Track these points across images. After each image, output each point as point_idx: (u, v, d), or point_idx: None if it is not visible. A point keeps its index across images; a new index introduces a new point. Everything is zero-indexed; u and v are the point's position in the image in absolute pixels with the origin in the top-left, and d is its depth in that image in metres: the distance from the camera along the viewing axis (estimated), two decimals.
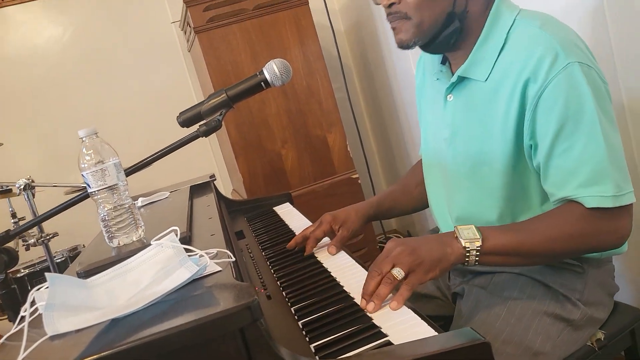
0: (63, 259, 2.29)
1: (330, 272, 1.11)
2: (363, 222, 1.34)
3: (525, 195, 1.08)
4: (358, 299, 0.94)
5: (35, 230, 2.11)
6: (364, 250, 2.46)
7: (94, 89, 2.78)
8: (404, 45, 1.10)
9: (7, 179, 2.22)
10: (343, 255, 1.21)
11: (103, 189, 0.99)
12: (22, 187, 2.03)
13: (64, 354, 0.63)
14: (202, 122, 1.11)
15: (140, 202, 1.56)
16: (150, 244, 0.85)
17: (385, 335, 0.81)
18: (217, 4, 2.26)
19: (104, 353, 0.61)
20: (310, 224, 1.36)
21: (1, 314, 2.22)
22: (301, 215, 1.63)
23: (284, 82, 1.11)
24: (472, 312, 1.10)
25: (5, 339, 0.74)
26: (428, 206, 1.41)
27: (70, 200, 1.06)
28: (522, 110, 1.01)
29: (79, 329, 0.69)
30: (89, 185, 1.00)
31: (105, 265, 0.87)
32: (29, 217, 2.11)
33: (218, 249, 0.88)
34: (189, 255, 0.81)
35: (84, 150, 0.99)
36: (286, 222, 1.58)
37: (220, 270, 0.81)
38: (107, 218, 1.01)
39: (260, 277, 1.19)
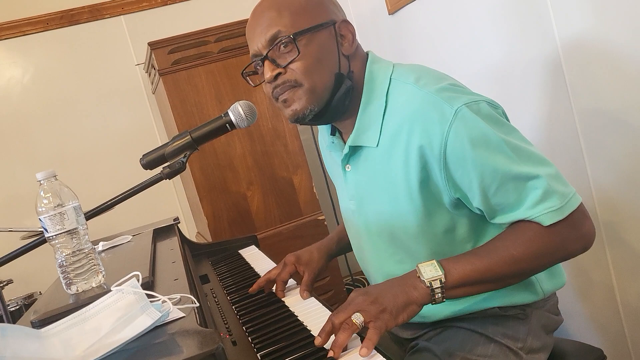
0: (18, 307, 2.19)
1: (297, 316, 1.09)
2: (326, 260, 1.32)
3: (452, 237, 1.06)
4: (325, 343, 0.93)
5: None
6: (330, 292, 2.43)
7: (55, 131, 2.73)
8: (299, 117, 1.05)
9: None
10: (309, 299, 1.19)
11: (61, 233, 0.96)
12: None
13: None
14: (165, 164, 1.09)
15: (101, 246, 1.52)
16: (110, 290, 0.82)
17: None
18: (182, 47, 2.27)
19: None
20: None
21: None
22: (267, 258, 1.61)
23: (250, 123, 1.10)
24: None
25: None
26: None
27: (26, 245, 1.02)
28: (426, 171, 0.99)
29: None
30: (46, 230, 0.96)
31: (62, 313, 0.84)
32: None
33: (181, 294, 0.85)
34: (151, 301, 0.79)
35: (41, 193, 0.96)
36: (252, 265, 1.55)
37: (183, 316, 0.78)
38: (65, 264, 0.97)
39: (226, 322, 1.16)
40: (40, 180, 0.97)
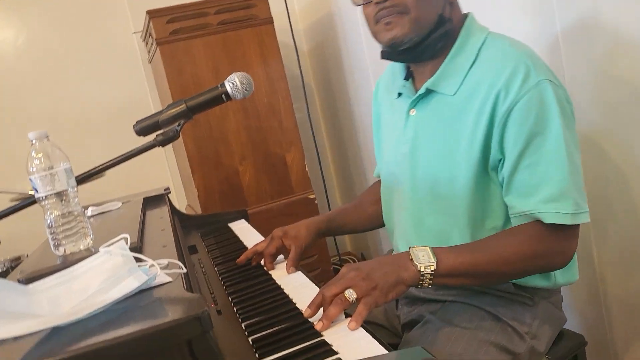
0: (5, 269, 2.18)
1: (283, 289, 1.10)
2: (314, 238, 1.32)
3: (490, 209, 1.08)
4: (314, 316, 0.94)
5: None
6: (317, 270, 2.45)
7: (49, 95, 2.70)
8: (396, 42, 1.07)
9: None
10: (297, 273, 1.20)
11: (51, 194, 0.95)
12: None
13: None
14: (159, 132, 1.09)
15: (90, 211, 1.52)
16: (98, 252, 0.82)
17: (336, 353, 0.80)
18: (181, 17, 2.25)
19: None
20: None
21: None
22: (256, 232, 1.62)
23: (245, 95, 1.10)
24: (419, 340, 1.10)
25: None
26: (380, 226, 1.41)
27: (15, 205, 1.02)
28: (491, 126, 1.02)
29: (17, 337, 0.65)
30: (36, 190, 0.96)
31: (48, 273, 0.84)
32: None
33: (169, 260, 0.85)
34: (138, 265, 0.79)
35: (33, 153, 0.95)
36: (241, 239, 1.56)
37: (170, 281, 0.79)
38: (53, 225, 0.97)
39: (212, 292, 1.17)
40: (32, 140, 0.96)
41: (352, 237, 3.29)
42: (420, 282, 0.96)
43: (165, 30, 2.24)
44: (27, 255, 2.33)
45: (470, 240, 1.09)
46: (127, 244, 0.81)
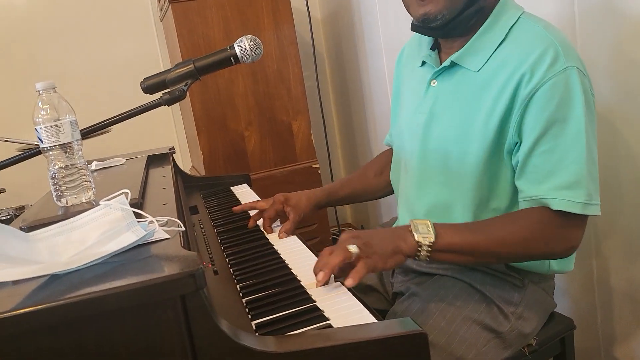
0: (9, 217, 2.21)
1: (280, 255, 1.12)
2: (313, 209, 1.35)
3: (497, 190, 1.08)
4: (304, 282, 0.95)
5: None
6: (316, 239, 2.47)
7: (58, 48, 2.70)
8: (429, 18, 1.05)
9: None
10: (295, 240, 1.21)
11: (56, 145, 0.97)
12: None
13: None
14: (166, 91, 1.09)
15: (94, 165, 1.53)
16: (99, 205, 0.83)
17: (327, 319, 0.82)
18: None
19: (40, 306, 0.60)
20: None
21: None
22: (258, 197, 1.63)
23: (254, 59, 1.10)
24: (404, 312, 1.11)
25: None
26: (382, 197, 1.42)
27: (20, 154, 1.03)
28: (511, 107, 1.01)
29: (17, 281, 0.67)
30: (41, 141, 0.97)
31: (49, 223, 0.85)
32: None
33: (169, 218, 0.87)
34: (138, 221, 0.80)
35: (39, 103, 0.96)
36: (242, 203, 1.57)
37: (168, 238, 0.80)
38: (57, 176, 0.98)
39: (210, 252, 1.18)
40: (39, 91, 0.97)
41: (352, 209, 3.31)
42: (418, 254, 0.97)
43: None
44: (31, 205, 2.36)
45: (471, 217, 1.09)
46: (127, 199, 0.82)
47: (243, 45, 1.08)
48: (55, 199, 1.00)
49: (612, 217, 1.37)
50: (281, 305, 0.87)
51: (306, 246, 1.16)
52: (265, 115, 2.39)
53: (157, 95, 1.09)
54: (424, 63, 1.20)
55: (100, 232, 0.76)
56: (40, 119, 0.96)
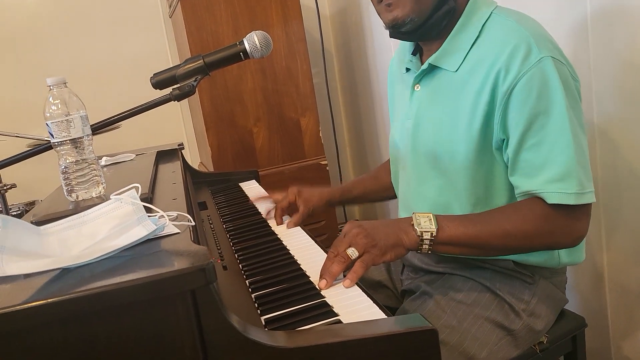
0: (19, 212, 2.23)
1: (288, 250, 1.12)
2: (324, 205, 1.38)
3: (494, 188, 1.08)
4: (313, 278, 0.95)
5: None
6: (325, 236, 2.47)
7: (69, 44, 2.71)
8: (397, 23, 1.06)
9: None
10: (304, 236, 1.22)
11: (66, 140, 0.97)
12: None
13: (10, 297, 0.62)
14: (175, 86, 1.09)
15: (104, 161, 1.54)
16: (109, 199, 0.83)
17: (336, 315, 0.81)
18: None
19: (52, 300, 0.60)
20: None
21: None
22: (266, 194, 1.63)
23: (263, 55, 1.10)
24: (416, 310, 1.11)
25: None
26: (395, 197, 1.42)
27: (31, 149, 1.03)
28: (492, 105, 1.01)
29: (28, 274, 0.67)
30: (52, 136, 0.97)
31: (60, 217, 0.85)
32: None
33: (178, 212, 0.87)
34: (148, 215, 0.80)
35: (50, 99, 0.96)
36: (250, 199, 1.57)
37: (178, 233, 0.80)
38: (67, 171, 0.98)
39: (219, 248, 1.18)
40: (50, 86, 0.97)
41: (361, 207, 3.31)
42: (420, 247, 0.97)
43: None
44: (41, 201, 2.37)
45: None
46: (137, 193, 0.82)
47: (252, 41, 1.08)
48: (65, 193, 1.00)
49: (619, 213, 1.37)
50: (290, 301, 0.87)
51: (315, 242, 1.16)
52: (273, 111, 2.39)
53: (167, 92, 1.09)
54: (408, 69, 1.20)
55: (111, 226, 0.77)
56: (51, 114, 0.96)
